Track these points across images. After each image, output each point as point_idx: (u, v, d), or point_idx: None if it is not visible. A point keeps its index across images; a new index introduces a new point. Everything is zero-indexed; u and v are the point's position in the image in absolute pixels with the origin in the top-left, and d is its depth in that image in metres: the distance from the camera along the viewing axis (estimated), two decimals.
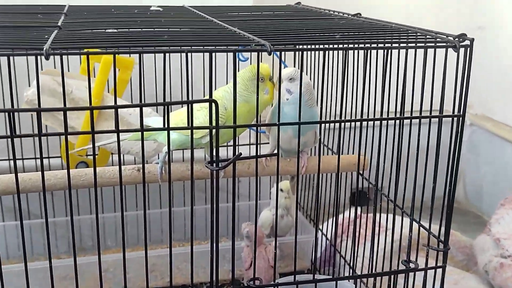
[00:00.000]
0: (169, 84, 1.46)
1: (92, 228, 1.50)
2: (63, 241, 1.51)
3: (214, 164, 0.83)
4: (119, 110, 1.26)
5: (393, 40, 0.94)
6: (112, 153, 1.41)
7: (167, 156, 1.00)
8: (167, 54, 0.78)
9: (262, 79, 0.99)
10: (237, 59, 0.82)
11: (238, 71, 0.98)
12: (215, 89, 1.07)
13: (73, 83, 1.28)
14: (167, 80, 1.43)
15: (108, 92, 1.37)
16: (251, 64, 1.49)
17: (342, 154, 1.06)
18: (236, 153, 0.86)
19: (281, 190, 1.35)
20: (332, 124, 1.29)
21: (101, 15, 1.22)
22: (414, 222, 1.01)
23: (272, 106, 1.08)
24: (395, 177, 0.99)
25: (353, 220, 1.45)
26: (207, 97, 0.82)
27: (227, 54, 1.30)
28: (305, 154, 1.12)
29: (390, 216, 1.18)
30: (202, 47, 0.82)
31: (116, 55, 0.80)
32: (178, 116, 1.02)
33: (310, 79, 1.37)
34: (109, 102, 1.31)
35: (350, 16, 1.23)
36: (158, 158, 1.03)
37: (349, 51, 0.86)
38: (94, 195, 0.82)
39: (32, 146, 1.50)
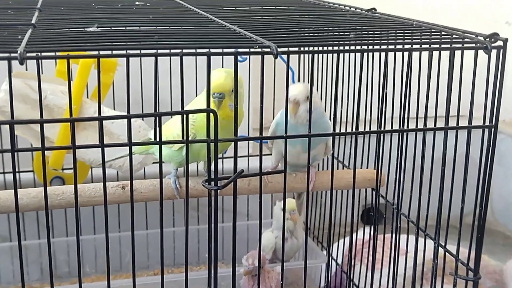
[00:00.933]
0: (154, 86, 1.50)
1: (68, 253, 1.48)
2: (35, 267, 1.49)
3: (213, 183, 0.82)
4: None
5: (415, 40, 0.94)
6: (91, 167, 1.40)
7: (176, 172, 1.04)
8: (159, 59, 0.77)
9: (217, 94, 0.95)
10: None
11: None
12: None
13: (48, 87, 1.27)
14: (152, 82, 1.46)
15: (88, 97, 1.36)
16: (249, 64, 1.50)
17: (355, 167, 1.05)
18: (237, 169, 0.85)
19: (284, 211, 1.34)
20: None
21: (81, 11, 1.22)
22: (439, 247, 1.00)
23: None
24: (418, 194, 0.99)
25: (366, 241, 1.45)
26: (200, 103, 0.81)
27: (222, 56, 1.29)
28: (313, 168, 1.11)
29: (410, 237, 1.18)
30: (197, 50, 0.81)
31: None
32: (174, 126, 1.01)
33: (320, 84, 1.37)
34: (89, 109, 1.30)
35: (363, 11, 1.23)
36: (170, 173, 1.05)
37: (368, 53, 0.85)
38: (75, 216, 0.82)
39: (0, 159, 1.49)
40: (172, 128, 1.01)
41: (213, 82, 0.92)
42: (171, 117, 1.02)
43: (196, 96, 1.42)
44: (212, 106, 0.92)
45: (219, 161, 1.10)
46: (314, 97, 1.04)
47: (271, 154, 1.64)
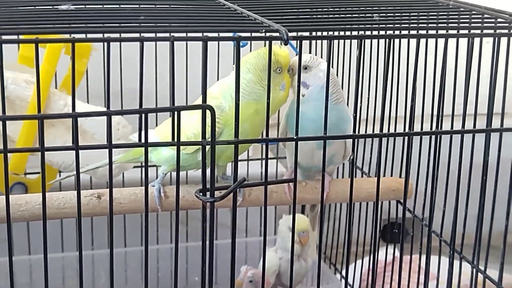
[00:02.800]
0: (139, 77, 1.49)
1: (30, 275, 1.48)
2: None
3: (208, 193, 0.82)
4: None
5: (451, 23, 0.93)
6: (60, 171, 1.39)
7: (164, 178, 1.04)
8: (144, 43, 0.76)
9: (279, 70, 0.98)
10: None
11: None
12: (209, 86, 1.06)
13: (9, 76, 1.26)
14: (137, 72, 1.45)
15: (56, 87, 1.35)
16: (251, 49, 1.50)
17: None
18: (237, 178, 0.85)
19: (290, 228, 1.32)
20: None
21: None
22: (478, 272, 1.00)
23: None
24: (454, 207, 0.99)
25: (389, 263, 1.45)
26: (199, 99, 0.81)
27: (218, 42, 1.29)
28: (327, 176, 1.10)
29: (442, 258, 1.18)
30: (192, 34, 0.81)
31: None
32: (189, 122, 1.00)
33: (340, 76, 1.37)
34: (58, 102, 1.29)
35: None
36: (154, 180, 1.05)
37: (395, 39, 0.85)
38: (43, 230, 0.81)
39: None
40: (186, 125, 0.98)
41: (280, 54, 0.95)
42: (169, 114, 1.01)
43: (187, 88, 1.45)
44: (288, 86, 0.98)
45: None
46: (317, 70, 1.02)
47: (275, 158, 1.66)
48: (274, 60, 0.94)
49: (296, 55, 1.00)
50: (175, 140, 0.80)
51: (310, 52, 1.42)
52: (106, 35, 0.77)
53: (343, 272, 1.48)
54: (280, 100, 0.99)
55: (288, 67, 0.99)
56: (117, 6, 1.04)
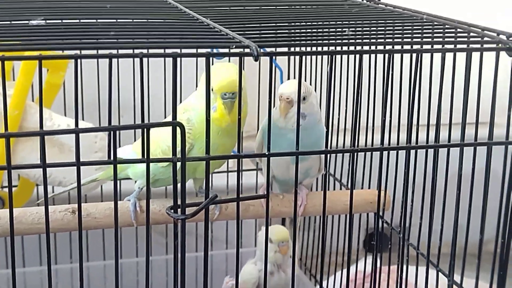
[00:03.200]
0: (117, 89, 1.49)
1: None
2: None
3: (179, 211, 0.81)
4: (47, 127, 1.24)
5: (425, 38, 0.93)
6: (37, 184, 1.38)
7: (140, 192, 1.03)
8: (114, 59, 0.76)
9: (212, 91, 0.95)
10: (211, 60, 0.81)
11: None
12: (183, 96, 1.06)
13: None
14: (115, 83, 1.44)
15: (33, 100, 1.34)
16: (229, 61, 1.49)
17: (354, 188, 1.05)
18: (209, 194, 0.84)
19: (271, 241, 1.32)
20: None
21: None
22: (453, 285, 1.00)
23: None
24: (429, 219, 0.99)
25: (368, 274, 1.44)
26: (169, 116, 0.80)
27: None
28: (303, 188, 1.10)
29: (420, 269, 1.17)
30: (162, 50, 0.80)
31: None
32: (160, 137, 0.99)
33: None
34: (34, 115, 1.28)
35: (364, 1, 1.22)
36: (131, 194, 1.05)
37: (366, 54, 0.85)
38: (11, 246, 0.81)
39: None
40: (158, 140, 0.98)
41: (221, 81, 0.92)
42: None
43: (165, 100, 1.44)
44: (220, 109, 0.93)
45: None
46: (312, 98, 1.03)
47: (255, 170, 1.65)
48: (221, 86, 0.93)
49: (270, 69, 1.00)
50: (145, 157, 0.79)
51: (288, 67, 1.42)
52: (75, 52, 0.76)
53: (324, 284, 1.47)
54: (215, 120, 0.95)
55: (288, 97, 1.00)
56: (92, 20, 1.03)
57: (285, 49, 1.01)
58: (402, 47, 0.87)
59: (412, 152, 0.98)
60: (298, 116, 0.87)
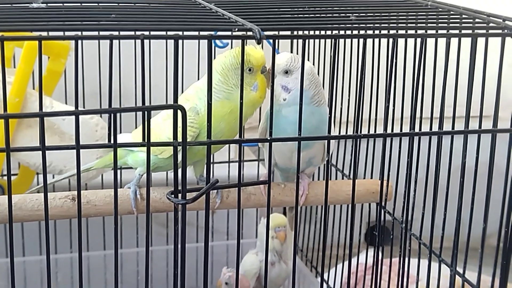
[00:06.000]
0: (118, 76, 1.48)
1: (7, 278, 1.45)
2: None
3: (180, 195, 0.80)
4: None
5: (429, 24, 0.92)
6: (37, 173, 1.38)
7: (140, 180, 1.02)
8: (114, 41, 0.75)
9: (250, 70, 0.96)
10: (213, 46, 0.80)
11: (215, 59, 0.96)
12: (184, 86, 1.05)
13: None
14: (116, 71, 1.43)
15: (34, 88, 1.33)
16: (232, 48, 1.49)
17: (356, 177, 1.04)
18: (210, 179, 0.83)
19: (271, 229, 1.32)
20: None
21: None
22: (456, 275, 0.99)
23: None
24: (432, 210, 0.98)
25: (370, 266, 1.43)
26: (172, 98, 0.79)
27: (198, 40, 1.27)
28: (305, 177, 1.09)
29: (422, 261, 1.17)
30: (164, 32, 0.79)
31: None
32: (161, 126, 1.00)
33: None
34: (34, 102, 1.28)
35: None
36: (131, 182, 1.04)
37: (370, 39, 0.84)
38: (9, 233, 0.80)
39: None
40: (161, 129, 0.98)
41: (257, 56, 0.94)
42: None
43: (167, 89, 1.43)
44: (262, 85, 0.95)
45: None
46: (299, 74, 1.00)
47: (256, 160, 1.64)
48: (245, 60, 0.92)
49: (277, 54, 0.99)
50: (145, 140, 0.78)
51: (291, 50, 1.41)
52: (74, 33, 0.75)
53: (325, 276, 1.47)
54: (252, 100, 0.97)
55: (263, 69, 0.98)
56: (92, 4, 1.02)
57: (288, 33, 0.99)
58: (406, 31, 0.86)
59: (416, 140, 0.97)
60: (300, 103, 0.86)
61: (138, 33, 0.76)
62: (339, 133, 1.33)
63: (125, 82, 1.43)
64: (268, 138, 0.86)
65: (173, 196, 0.81)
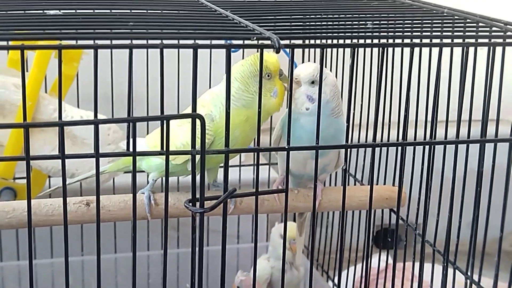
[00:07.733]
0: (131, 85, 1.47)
1: (19, 280, 1.46)
2: None
3: (198, 204, 0.80)
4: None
5: (445, 32, 0.92)
6: (49, 176, 1.38)
7: (154, 185, 1.03)
8: (134, 50, 0.75)
9: (268, 76, 0.96)
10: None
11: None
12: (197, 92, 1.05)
13: None
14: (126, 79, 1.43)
15: (46, 91, 1.34)
16: (243, 56, 1.49)
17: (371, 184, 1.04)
18: (228, 188, 0.83)
19: (282, 237, 1.31)
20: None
21: None
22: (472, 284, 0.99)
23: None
24: (448, 216, 0.98)
25: (382, 270, 1.43)
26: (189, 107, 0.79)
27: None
28: (319, 184, 1.09)
29: (436, 266, 1.17)
30: (181, 42, 0.79)
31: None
32: (177, 133, 0.99)
33: None
34: (47, 106, 1.28)
35: None
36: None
37: (388, 48, 0.84)
38: (28, 237, 0.81)
39: None
40: (175, 135, 0.98)
41: (273, 61, 0.95)
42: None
43: (179, 95, 1.43)
44: (281, 91, 0.96)
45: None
46: (325, 86, 1.00)
47: (267, 164, 1.64)
48: (263, 66, 0.93)
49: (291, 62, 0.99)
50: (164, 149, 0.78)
51: (303, 60, 1.41)
52: (95, 41, 0.76)
53: (336, 280, 1.47)
54: (272, 107, 0.97)
55: (280, 72, 0.98)
56: (107, 11, 1.03)
57: (306, 41, 1.00)
58: (421, 40, 0.86)
59: (428, 147, 0.97)
60: (318, 111, 0.86)
61: (157, 41, 0.77)
62: (352, 136, 1.33)
63: (136, 86, 1.43)
64: (286, 147, 0.86)
65: (191, 204, 0.81)
